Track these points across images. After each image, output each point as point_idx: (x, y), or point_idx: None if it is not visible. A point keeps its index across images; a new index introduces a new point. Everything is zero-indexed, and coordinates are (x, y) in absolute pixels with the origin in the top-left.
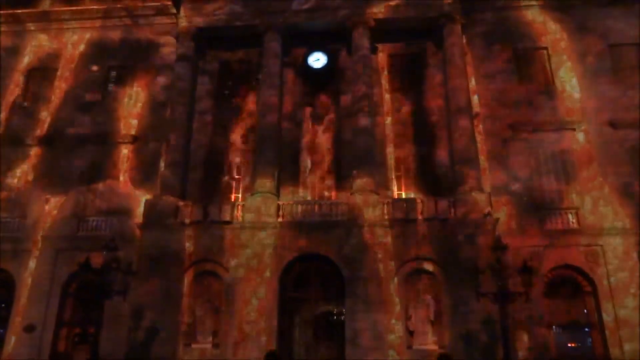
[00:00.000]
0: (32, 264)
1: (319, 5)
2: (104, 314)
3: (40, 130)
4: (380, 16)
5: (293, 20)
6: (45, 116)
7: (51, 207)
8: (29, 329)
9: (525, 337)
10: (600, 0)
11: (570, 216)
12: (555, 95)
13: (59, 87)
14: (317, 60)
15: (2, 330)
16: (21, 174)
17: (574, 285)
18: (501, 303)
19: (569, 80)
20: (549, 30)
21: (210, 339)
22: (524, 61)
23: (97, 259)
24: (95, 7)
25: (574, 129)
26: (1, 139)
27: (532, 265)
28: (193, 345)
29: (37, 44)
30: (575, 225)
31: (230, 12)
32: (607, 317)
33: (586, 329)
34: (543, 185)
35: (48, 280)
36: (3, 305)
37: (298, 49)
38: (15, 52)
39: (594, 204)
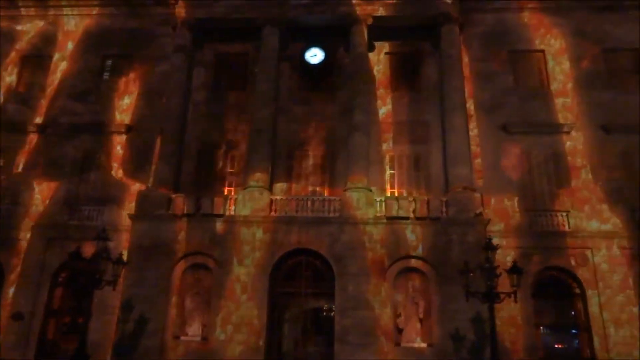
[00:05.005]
0: (22, 252)
1: (318, 1)
2: (94, 303)
3: (34, 118)
4: (379, 14)
5: (292, 15)
6: (39, 104)
7: (43, 195)
8: (17, 317)
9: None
10: (598, 6)
11: (561, 218)
12: (550, 98)
13: (54, 75)
14: (315, 55)
15: None
16: (13, 161)
17: (563, 287)
18: (490, 302)
19: (564, 84)
20: (546, 34)
21: (200, 332)
22: (521, 63)
23: (89, 249)
24: None
25: (568, 132)
26: None
27: (521, 265)
28: (182, 338)
29: (32, 30)
30: (566, 228)
31: (229, 4)
32: (595, 319)
33: (574, 331)
34: (535, 186)
35: (38, 268)
36: None
37: (296, 43)
38: (10, 37)
39: (585, 207)
